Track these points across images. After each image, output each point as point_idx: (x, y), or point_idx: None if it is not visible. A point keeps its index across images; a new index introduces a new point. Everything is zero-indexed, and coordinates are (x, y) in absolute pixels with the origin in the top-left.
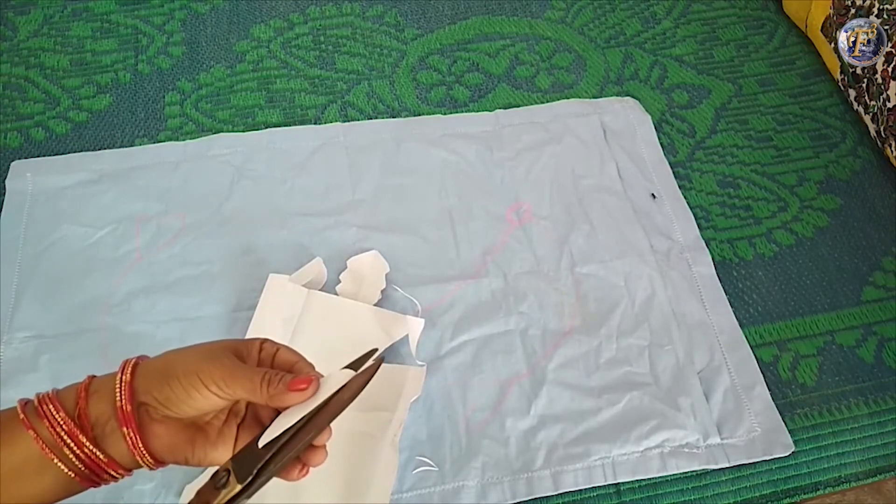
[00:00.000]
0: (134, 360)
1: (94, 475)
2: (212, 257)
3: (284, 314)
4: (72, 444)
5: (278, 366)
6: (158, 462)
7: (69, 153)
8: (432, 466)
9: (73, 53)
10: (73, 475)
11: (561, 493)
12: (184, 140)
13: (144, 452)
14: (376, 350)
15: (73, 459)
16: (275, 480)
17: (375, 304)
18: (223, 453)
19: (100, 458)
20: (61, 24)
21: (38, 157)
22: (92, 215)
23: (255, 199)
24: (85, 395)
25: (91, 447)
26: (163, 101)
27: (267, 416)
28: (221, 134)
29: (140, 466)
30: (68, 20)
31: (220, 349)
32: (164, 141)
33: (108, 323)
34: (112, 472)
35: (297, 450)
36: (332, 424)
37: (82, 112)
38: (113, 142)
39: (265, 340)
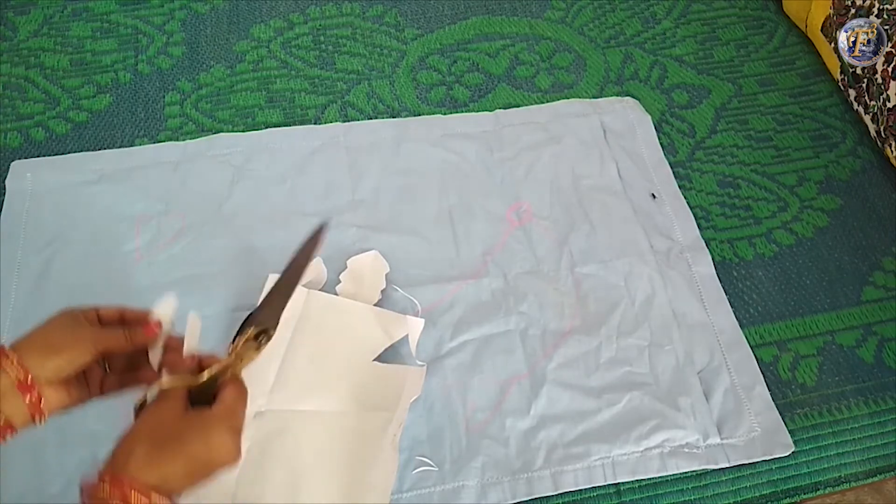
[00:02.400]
0: (8, 345)
1: None
2: (212, 257)
3: (284, 314)
4: None
5: (108, 319)
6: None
7: (69, 153)
8: (432, 466)
9: (73, 53)
10: None
11: (561, 493)
12: (184, 140)
13: (45, 412)
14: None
15: None
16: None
17: (375, 304)
18: (94, 386)
19: None
20: (61, 24)
21: (38, 157)
22: (92, 215)
23: (255, 199)
24: None
25: None
26: (163, 101)
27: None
28: (221, 134)
29: (32, 424)
30: (68, 20)
31: (78, 318)
32: (164, 141)
33: None
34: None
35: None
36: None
37: (82, 112)
38: (113, 142)
39: (83, 308)
